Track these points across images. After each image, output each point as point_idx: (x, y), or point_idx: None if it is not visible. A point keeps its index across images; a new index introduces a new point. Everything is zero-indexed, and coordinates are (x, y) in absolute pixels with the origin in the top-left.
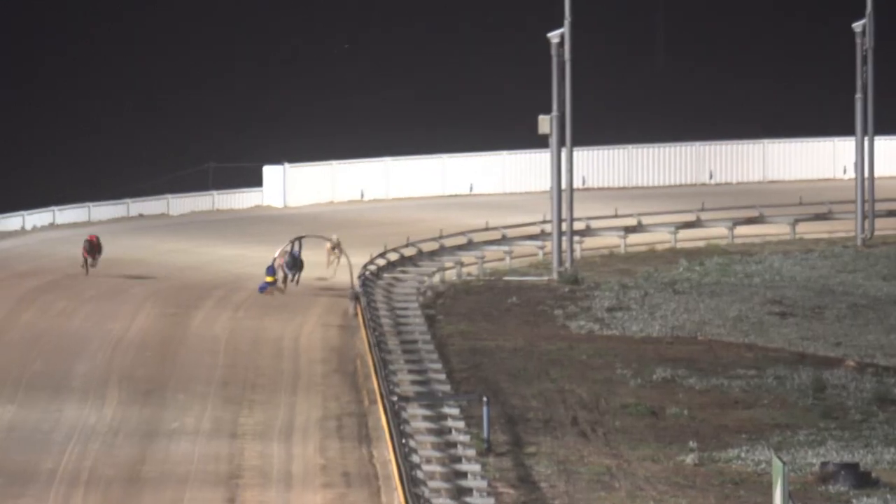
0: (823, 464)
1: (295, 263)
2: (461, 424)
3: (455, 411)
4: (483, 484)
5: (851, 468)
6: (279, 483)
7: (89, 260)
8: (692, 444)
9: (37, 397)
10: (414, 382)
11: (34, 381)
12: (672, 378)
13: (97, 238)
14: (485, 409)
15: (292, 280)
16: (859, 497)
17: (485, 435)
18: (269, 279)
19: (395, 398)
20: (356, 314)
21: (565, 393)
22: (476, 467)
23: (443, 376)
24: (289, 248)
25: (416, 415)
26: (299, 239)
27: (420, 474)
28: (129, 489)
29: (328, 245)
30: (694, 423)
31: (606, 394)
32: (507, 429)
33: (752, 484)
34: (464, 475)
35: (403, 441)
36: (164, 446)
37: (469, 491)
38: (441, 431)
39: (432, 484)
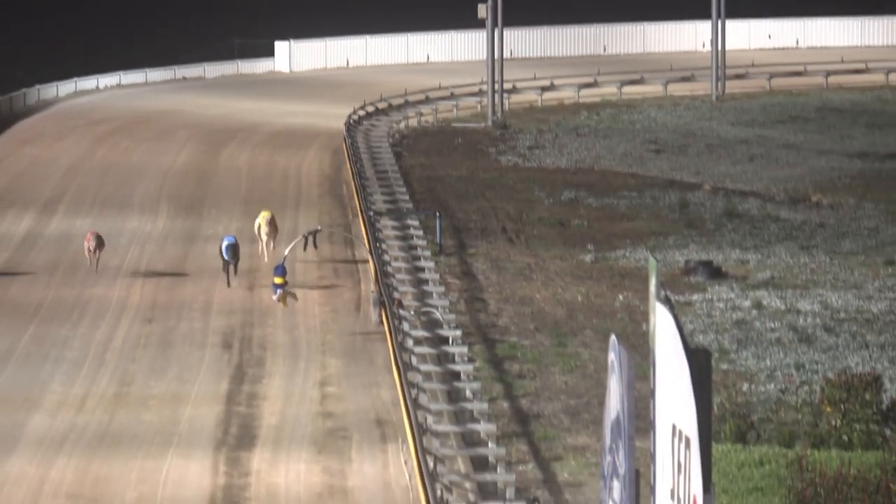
0: (686, 261)
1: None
2: (420, 233)
3: (415, 223)
4: (436, 276)
5: (707, 264)
6: (287, 273)
7: (97, 254)
8: (590, 246)
9: (108, 212)
10: (385, 202)
11: (106, 200)
12: (575, 198)
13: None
14: (437, 221)
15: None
16: (712, 285)
17: (437, 240)
18: (277, 280)
19: (371, 213)
20: (381, 321)
21: (497, 209)
22: (431, 264)
23: (406, 197)
24: (301, 241)
25: (386, 225)
26: (314, 233)
27: (390, 269)
28: (175, 280)
29: (263, 220)
30: (591, 231)
31: (527, 210)
32: (454, 236)
33: (634, 276)
34: (422, 270)
35: (377, 245)
36: (201, 248)
37: (426, 281)
38: (405, 238)
39: (399, 276)
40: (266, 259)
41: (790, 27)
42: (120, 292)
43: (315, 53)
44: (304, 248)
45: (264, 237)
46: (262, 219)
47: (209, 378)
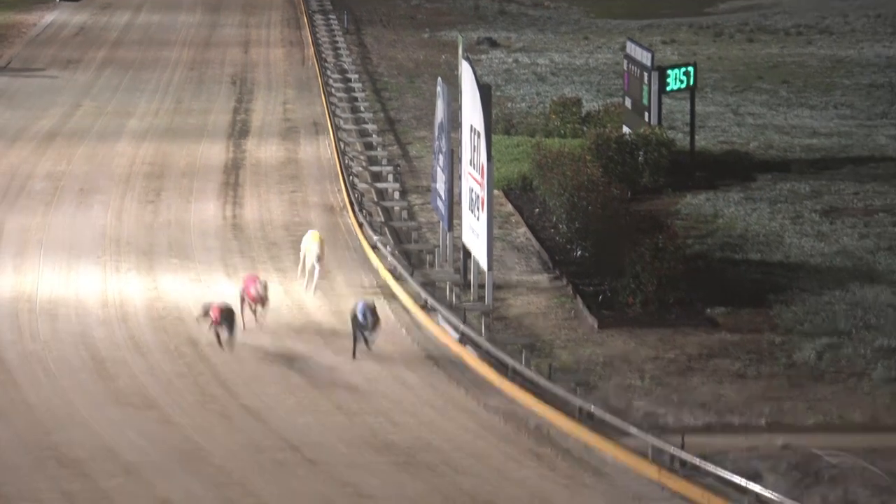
0: (478, 38)
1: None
2: (336, 22)
3: (334, 17)
4: (344, 45)
5: (489, 39)
6: (265, 44)
7: (265, 308)
8: (427, 30)
9: (167, 10)
10: (317, 5)
11: (167, 3)
12: (419, 4)
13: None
14: (346, 15)
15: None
16: (492, 51)
17: (345, 25)
18: None
19: (311, 12)
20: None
21: (378, 10)
22: (342, 39)
23: (331, 6)
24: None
25: (318, 20)
26: (363, 328)
27: (320, 41)
28: (206, 47)
29: (310, 249)
30: (427, 22)
31: (393, 10)
32: (354, 24)
33: (450, 46)
34: (337, 42)
35: (314, 28)
36: (220, 31)
37: (339, 48)
38: (328, 25)
39: (323, 45)
40: (311, 291)
41: None
42: (175, 54)
43: None
44: (353, 356)
45: (314, 267)
46: (309, 248)
47: (223, 100)
